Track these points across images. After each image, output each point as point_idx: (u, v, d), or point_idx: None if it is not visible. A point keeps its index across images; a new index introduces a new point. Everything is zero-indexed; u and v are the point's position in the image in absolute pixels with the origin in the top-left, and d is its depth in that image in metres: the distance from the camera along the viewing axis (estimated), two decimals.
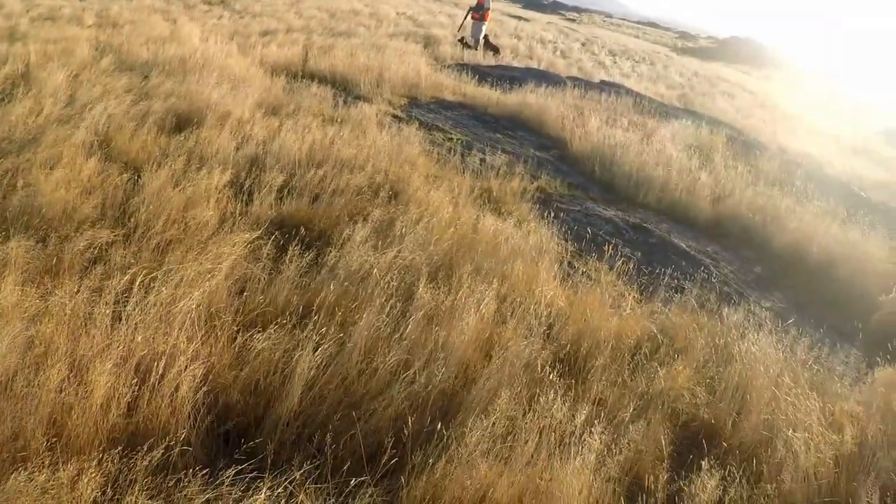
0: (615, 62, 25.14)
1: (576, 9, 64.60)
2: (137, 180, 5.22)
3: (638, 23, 67.42)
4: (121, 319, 3.46)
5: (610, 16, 68.31)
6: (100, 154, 5.61)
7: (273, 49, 12.84)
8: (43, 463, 2.66)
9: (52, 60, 8.97)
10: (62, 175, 5.07)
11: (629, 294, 5.25)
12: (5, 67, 8.84)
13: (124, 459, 2.73)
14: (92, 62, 9.02)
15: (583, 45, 28.31)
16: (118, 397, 3.01)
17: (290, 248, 4.40)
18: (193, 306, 3.58)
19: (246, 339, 3.52)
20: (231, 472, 2.69)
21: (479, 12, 18.12)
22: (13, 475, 2.52)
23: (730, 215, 8.42)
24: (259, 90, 8.67)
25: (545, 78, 14.33)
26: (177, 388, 3.09)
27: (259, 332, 3.54)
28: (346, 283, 4.15)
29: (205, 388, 3.18)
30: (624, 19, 68.81)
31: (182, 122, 6.86)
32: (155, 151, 5.85)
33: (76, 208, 4.67)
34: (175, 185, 5.13)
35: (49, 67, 8.33)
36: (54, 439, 2.83)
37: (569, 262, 5.68)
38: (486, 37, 18.48)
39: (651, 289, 5.55)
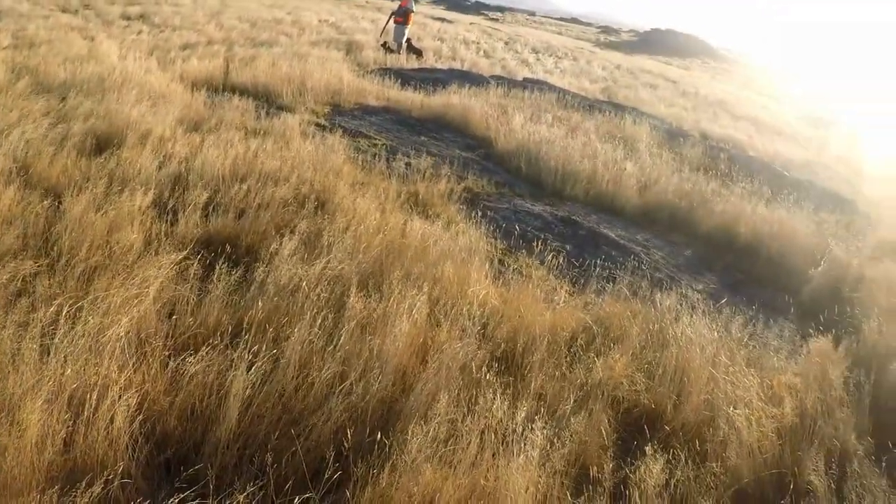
0: (538, 59, 25.45)
1: (499, 8, 65.48)
2: (59, 207, 5.02)
3: (561, 19, 68.55)
4: (49, 353, 3.32)
5: (533, 13, 69.17)
6: (19, 181, 5.35)
7: (194, 63, 12.58)
8: None
9: None
10: None
11: (561, 287, 5.27)
12: None
13: (64, 498, 2.63)
14: (7, 85, 8.64)
15: (506, 44, 28.65)
16: (52, 434, 2.90)
17: (218, 267, 4.30)
18: (122, 333, 3.46)
19: (178, 364, 3.42)
20: (174, 501, 2.61)
21: (401, 16, 18.19)
22: None
23: (657, 203, 8.55)
24: (180, 106, 8.47)
25: (469, 78, 14.45)
26: (112, 420, 2.99)
27: (191, 354, 3.45)
28: (276, 299, 4.08)
29: (140, 417, 3.09)
30: (547, 17, 69.78)
31: (102, 144, 6.63)
32: (76, 175, 5.64)
33: None
34: (97, 209, 4.94)
35: None
36: None
37: (499, 260, 5.70)
38: (408, 40, 18.56)
39: (583, 280, 5.60)
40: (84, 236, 4.53)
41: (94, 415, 3.01)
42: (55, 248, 4.44)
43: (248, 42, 17.88)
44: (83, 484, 2.65)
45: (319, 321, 3.82)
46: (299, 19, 24.82)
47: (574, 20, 68.39)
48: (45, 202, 5.05)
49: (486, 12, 59.10)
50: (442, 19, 35.96)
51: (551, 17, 69.30)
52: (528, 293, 4.82)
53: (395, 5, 19.97)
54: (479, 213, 6.41)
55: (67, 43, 14.29)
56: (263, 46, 16.81)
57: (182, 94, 9.43)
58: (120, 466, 2.85)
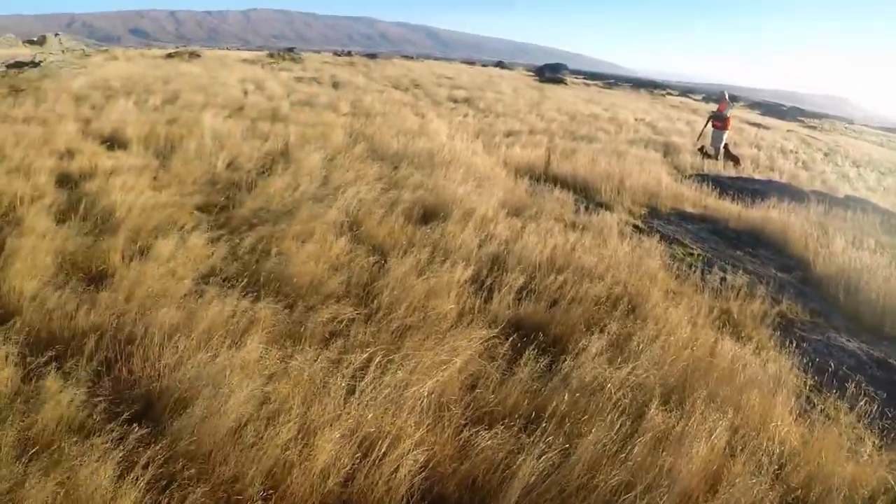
0: (860, 174, 24.56)
1: (816, 115, 65.05)
2: (383, 264, 6.11)
3: (882, 129, 65.21)
4: (354, 394, 4.06)
5: (851, 122, 67.52)
6: (349, 235, 6.69)
7: (516, 150, 14.14)
8: None
9: (309, 143, 10.74)
10: (313, 249, 6.13)
11: (869, 439, 5.07)
12: (267, 144, 10.83)
13: None
14: (346, 148, 10.58)
15: (825, 154, 28.07)
16: (339, 466, 3.52)
17: (527, 352, 4.85)
18: (425, 393, 4.11)
19: (471, 435, 3.92)
20: None
21: (720, 121, 18.97)
22: None
23: None
24: (503, 190, 9.57)
25: (787, 191, 14.41)
26: (396, 469, 3.54)
27: (485, 429, 3.95)
28: (577, 394, 4.47)
29: (423, 475, 3.61)
30: (865, 125, 67.46)
31: (428, 214, 7.86)
32: (401, 239, 6.79)
33: (323, 282, 5.62)
34: (419, 274, 5.90)
35: (306, 149, 10.00)
36: (270, 491, 3.39)
37: (806, 397, 5.68)
38: (726, 146, 19.13)
39: (893, 435, 5.35)
40: (403, 296, 5.43)
41: (381, 460, 3.58)
42: (375, 302, 5.38)
43: (567, 135, 19.44)
44: None
45: (617, 426, 4.14)
46: (616, 116, 26.46)
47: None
48: (371, 258, 6.22)
49: (802, 119, 58.78)
50: (758, 125, 36.38)
51: (870, 126, 66.84)
52: (831, 438, 4.75)
53: (713, 108, 20.55)
54: (792, 342, 6.49)
55: (400, 117, 16.86)
56: (582, 141, 18.14)
57: (505, 179, 10.66)
58: None
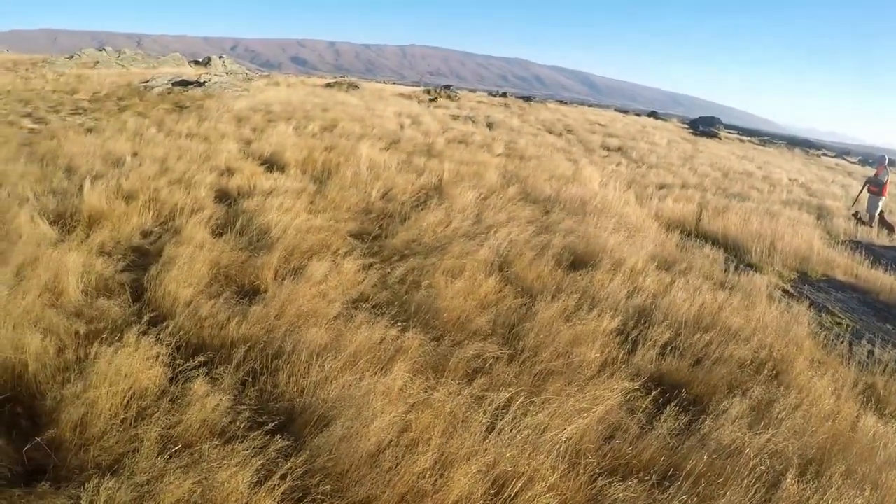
0: None
1: None
2: (530, 307, 6.23)
3: None
4: (493, 431, 4.17)
5: None
6: (498, 275, 6.86)
7: (668, 203, 14.09)
8: None
9: (463, 180, 11.07)
10: (462, 286, 6.32)
11: None
12: (421, 178, 11.24)
13: None
14: (499, 188, 10.78)
15: None
16: (471, 500, 3.64)
17: (668, 408, 4.90)
18: (563, 439, 4.18)
19: (605, 485, 3.98)
20: None
21: (876, 186, 18.03)
22: None
23: None
24: (653, 243, 9.59)
25: None
26: None
27: (619, 481, 4.01)
28: (714, 456, 4.45)
29: None
30: None
31: (577, 261, 7.96)
32: (550, 283, 6.92)
33: (470, 319, 5.78)
34: (565, 320, 6.00)
35: (460, 186, 10.23)
36: None
37: None
38: (881, 213, 18.21)
39: None
40: (548, 340, 5.52)
41: (513, 499, 3.70)
42: (520, 343, 5.50)
43: (719, 191, 19.17)
44: None
45: (752, 493, 4.14)
46: (769, 175, 25.85)
47: None
48: (519, 299, 6.37)
49: None
50: None
51: None
52: None
53: (871, 172, 19.36)
54: None
55: (553, 162, 17.03)
56: (734, 198, 17.83)
57: (655, 232, 10.68)
58: None
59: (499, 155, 17.09)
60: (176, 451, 3.71)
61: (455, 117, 27.20)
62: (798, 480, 4.41)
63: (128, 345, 4.55)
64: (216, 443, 3.83)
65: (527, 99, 53.04)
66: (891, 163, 19.88)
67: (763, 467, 4.42)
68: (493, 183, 11.60)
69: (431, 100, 36.47)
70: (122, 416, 4.00)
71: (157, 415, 4.00)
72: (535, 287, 6.82)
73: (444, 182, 11.04)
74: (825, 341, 7.50)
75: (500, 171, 13.30)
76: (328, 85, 36.24)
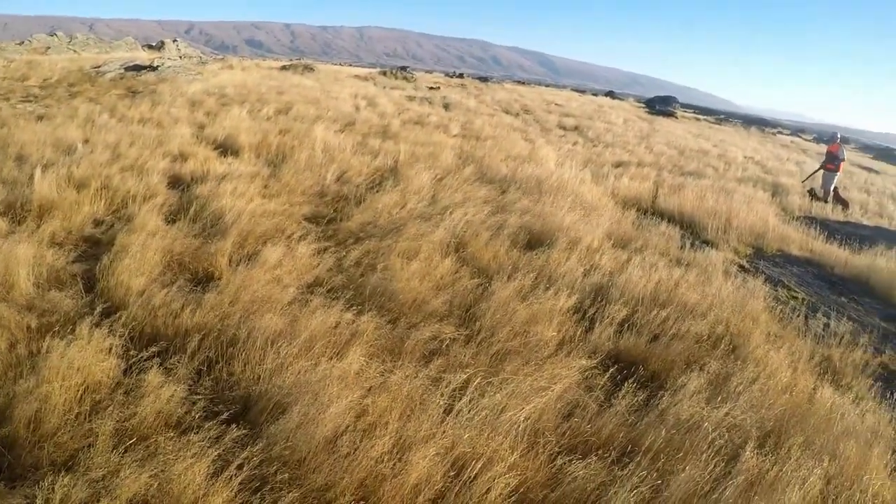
0: None
1: None
2: (487, 287, 6.21)
3: None
4: (450, 413, 4.15)
5: None
6: (454, 255, 6.84)
7: (624, 182, 14.17)
8: None
9: (419, 161, 10.98)
10: (418, 268, 6.27)
11: None
12: (376, 160, 11.12)
13: None
14: (455, 169, 10.70)
15: None
16: (431, 483, 3.60)
17: (625, 385, 4.91)
18: (521, 419, 4.16)
19: (564, 463, 3.97)
20: None
21: (831, 163, 18.53)
22: None
23: None
24: (609, 221, 9.61)
25: None
26: (487, 491, 3.61)
27: (579, 458, 4.01)
28: (673, 431, 4.49)
29: (513, 499, 3.67)
30: None
31: (534, 240, 7.95)
32: (506, 263, 6.89)
33: (426, 301, 5.74)
34: (522, 299, 5.99)
35: (415, 168, 10.09)
36: (361, 502, 3.49)
37: None
38: (835, 189, 18.75)
39: None
40: (505, 320, 5.50)
41: (473, 480, 3.66)
42: (476, 324, 5.47)
43: (675, 169, 19.35)
44: None
45: (711, 466, 4.16)
46: (725, 153, 26.15)
47: None
48: (475, 280, 6.35)
49: None
50: (869, 169, 35.33)
51: None
52: None
53: (824, 149, 20.02)
54: (892, 395, 6.37)
55: (509, 142, 16.99)
56: (690, 176, 18.01)
57: (611, 210, 10.72)
58: None
59: (455, 136, 17.03)
60: (131, 445, 3.65)
61: (411, 98, 27.05)
62: (757, 453, 4.45)
63: (80, 337, 4.46)
64: (171, 434, 3.78)
65: (484, 80, 53.01)
66: (843, 140, 20.35)
67: (722, 441, 4.46)
68: (448, 164, 11.55)
69: (387, 81, 36.16)
70: (77, 411, 3.92)
71: (111, 408, 3.93)
72: (491, 267, 6.81)
73: (400, 163, 10.97)
74: (781, 315, 7.63)
75: (456, 151, 13.26)
76: (283, 67, 35.77)
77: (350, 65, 71.31)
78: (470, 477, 3.72)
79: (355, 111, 19.11)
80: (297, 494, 3.47)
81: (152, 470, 3.41)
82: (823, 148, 19.96)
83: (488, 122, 21.50)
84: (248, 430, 3.93)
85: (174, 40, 40.45)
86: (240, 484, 3.46)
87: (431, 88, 35.56)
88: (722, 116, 69.02)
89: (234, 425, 3.88)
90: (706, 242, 10.58)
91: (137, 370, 4.34)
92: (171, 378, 4.26)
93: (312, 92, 22.05)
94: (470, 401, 4.29)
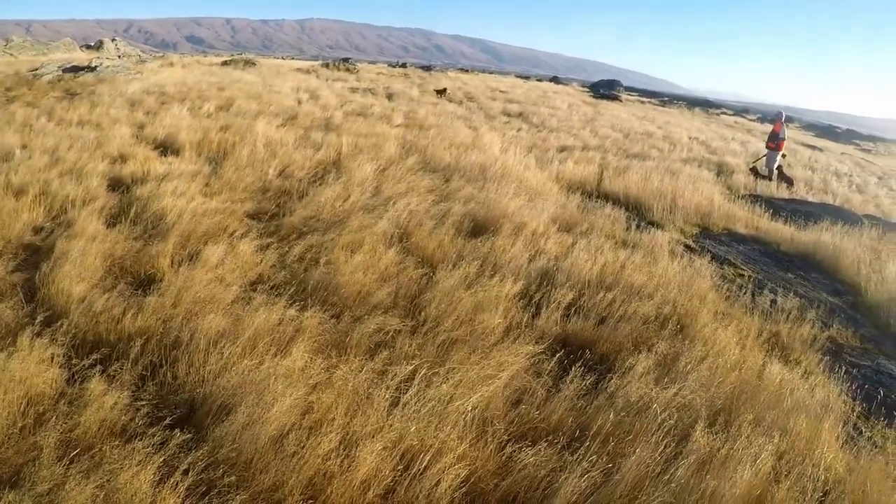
0: None
1: (871, 138, 65.57)
2: (431, 277, 6.19)
3: None
4: (397, 406, 4.10)
5: None
6: (398, 246, 6.79)
7: (569, 166, 14.25)
8: None
9: (362, 153, 10.87)
10: (362, 260, 6.21)
11: None
12: (319, 153, 10.96)
13: None
14: (398, 159, 10.62)
15: (880, 178, 27.62)
16: (380, 478, 3.57)
17: (573, 369, 4.89)
18: (469, 408, 4.14)
19: (514, 451, 3.95)
20: None
21: (774, 142, 18.92)
22: None
23: None
24: (554, 205, 9.64)
25: (840, 215, 14.34)
26: (437, 483, 3.58)
27: (529, 445, 3.99)
28: (622, 414, 4.49)
29: (464, 490, 3.65)
30: None
31: (478, 228, 7.92)
32: (451, 252, 6.86)
33: (371, 293, 5.69)
34: (467, 287, 5.95)
35: (358, 159, 10.01)
36: (310, 501, 3.45)
37: (854, 424, 5.61)
38: (779, 167, 19.19)
39: None
40: (451, 309, 5.47)
41: (422, 473, 3.63)
42: (422, 314, 5.44)
43: (620, 152, 19.53)
44: None
45: (661, 447, 4.16)
46: (670, 134, 26.50)
47: None
48: (420, 270, 6.31)
49: (857, 142, 58.95)
50: (813, 147, 36.27)
51: None
52: (878, 467, 4.68)
53: (768, 128, 20.63)
54: (841, 368, 6.45)
55: (453, 130, 16.90)
56: (635, 158, 18.23)
57: (556, 195, 10.74)
58: None
59: (398, 126, 16.93)
60: (76, 456, 3.56)
61: (354, 90, 26.85)
62: (707, 432, 4.49)
63: (21, 348, 4.35)
64: (117, 443, 3.69)
65: (427, 69, 52.75)
66: (787, 119, 20.86)
67: (672, 421, 4.47)
68: (392, 154, 11.48)
69: (330, 74, 35.80)
70: (21, 424, 3.82)
71: (54, 419, 3.83)
72: (435, 256, 6.79)
73: (343, 156, 10.87)
74: (728, 293, 7.71)
75: (399, 141, 13.19)
76: (224, 63, 35.19)
77: (292, 58, 70.39)
78: (419, 469, 3.69)
79: (297, 105, 18.88)
80: (245, 497, 3.41)
81: (98, 480, 3.33)
82: (768, 127, 20.50)
83: (432, 111, 21.43)
84: (194, 434, 3.85)
85: (113, 39, 39.58)
86: (186, 489, 3.39)
87: (377, 76, 35.30)
88: (666, 98, 70.05)
89: (178, 430, 3.80)
90: (652, 223, 10.62)
91: (80, 379, 4.24)
92: (114, 385, 4.17)
93: (254, 87, 21.73)
94: (416, 392, 4.25)
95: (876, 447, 5.26)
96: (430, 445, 3.84)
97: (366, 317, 5.28)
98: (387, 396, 4.21)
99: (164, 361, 4.55)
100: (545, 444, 4.04)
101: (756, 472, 4.15)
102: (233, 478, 3.52)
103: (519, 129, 21.85)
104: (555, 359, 5.14)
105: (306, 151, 11.33)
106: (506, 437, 4.16)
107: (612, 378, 4.96)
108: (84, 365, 4.34)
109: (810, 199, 17.41)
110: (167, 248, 6.39)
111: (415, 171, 10.34)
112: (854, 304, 9.07)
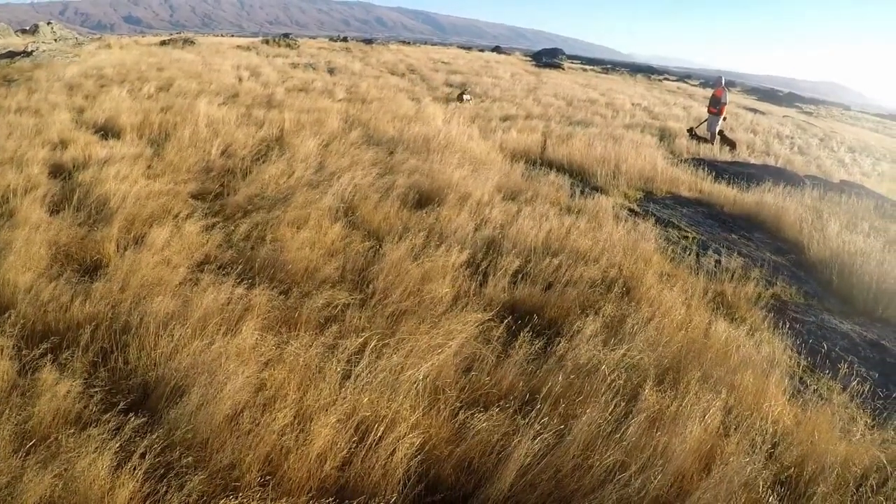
0: (855, 160, 24.86)
1: (812, 101, 66.80)
2: (378, 249, 6.21)
3: (878, 116, 65.81)
4: (349, 378, 4.12)
5: (848, 108, 68.81)
6: (344, 220, 6.79)
7: (513, 135, 14.27)
8: (253, 497, 3.26)
9: (305, 129, 10.73)
10: (308, 236, 6.20)
11: (861, 419, 5.17)
12: (262, 131, 10.79)
13: None
14: (341, 134, 10.58)
15: (821, 140, 28.11)
16: (335, 451, 3.59)
17: (522, 334, 4.95)
18: (420, 377, 4.18)
19: (467, 417, 3.99)
20: None
21: (715, 106, 19.12)
22: (223, 501, 3.15)
23: None
24: (498, 174, 9.66)
25: (782, 176, 14.66)
26: (392, 453, 3.60)
27: (481, 411, 4.03)
28: (572, 376, 4.55)
29: (419, 458, 3.68)
30: (863, 112, 68.38)
31: (423, 199, 7.95)
32: (397, 224, 6.88)
33: (318, 268, 5.69)
34: (414, 258, 5.99)
35: (301, 135, 9.91)
36: (268, 477, 3.45)
37: (800, 378, 5.76)
38: (721, 131, 19.42)
39: (885, 414, 5.44)
40: (398, 281, 5.50)
41: (377, 444, 3.65)
42: (370, 287, 5.46)
43: (564, 120, 19.60)
44: None
45: (612, 407, 4.23)
46: (612, 101, 26.66)
47: (893, 117, 64.30)
48: (367, 243, 6.33)
49: (799, 104, 59.78)
50: (754, 110, 36.64)
51: (867, 113, 67.11)
52: (824, 418, 4.83)
53: (710, 93, 21.01)
54: (785, 324, 6.60)
55: (396, 102, 16.78)
56: (579, 125, 18.30)
57: (500, 164, 10.76)
58: (391, 498, 3.46)
59: (340, 100, 16.78)
60: (32, 447, 3.51)
61: (295, 66, 26.46)
62: (657, 390, 4.56)
63: None
64: (72, 431, 3.63)
65: (369, 42, 52.27)
66: (729, 83, 21.12)
67: (621, 381, 4.55)
68: (335, 129, 11.40)
69: (270, 50, 35.18)
70: None
71: (7, 412, 3.74)
72: (382, 229, 6.81)
73: (286, 132, 10.76)
74: (673, 255, 7.82)
75: (342, 116, 13.08)
76: (163, 43, 34.35)
77: (232, 35, 69.07)
78: (374, 440, 3.71)
79: (238, 82, 18.58)
80: (203, 476, 3.40)
81: (56, 470, 3.28)
82: (710, 92, 20.85)
83: (374, 85, 21.27)
84: (149, 418, 3.82)
85: (49, 23, 38.20)
86: (144, 473, 3.36)
87: (318, 51, 34.79)
88: (609, 66, 70.58)
89: (133, 414, 3.75)
90: (596, 189, 10.70)
91: (32, 369, 4.16)
92: (66, 374, 4.10)
93: (194, 66, 21.28)
94: (368, 364, 4.28)
95: (822, 399, 5.38)
96: (384, 416, 3.87)
97: (314, 292, 5.28)
98: (338, 370, 4.22)
99: (114, 347, 4.48)
100: (497, 410, 4.09)
101: (705, 427, 4.24)
102: (190, 458, 3.50)
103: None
104: (503, 325, 5.20)
105: (249, 129, 11.18)
106: (458, 405, 4.20)
107: (560, 342, 5.02)
108: (34, 355, 4.25)
109: (753, 161, 17.67)
110: (112, 233, 6.27)
111: (358, 145, 10.32)
112: (797, 263, 9.24)
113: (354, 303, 5.23)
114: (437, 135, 11.66)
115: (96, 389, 3.99)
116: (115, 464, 3.38)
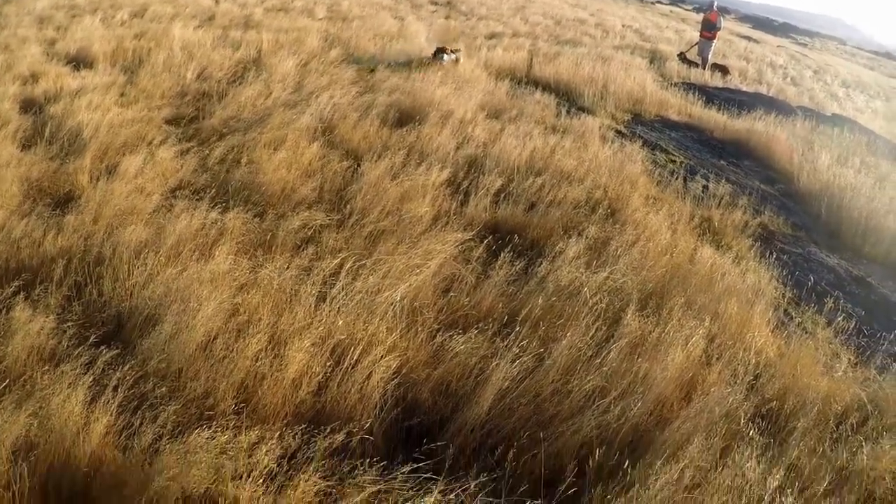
0: (848, 95, 24.47)
1: (808, 33, 65.77)
2: (357, 169, 6.08)
3: (874, 53, 65.25)
4: (325, 301, 4.02)
5: (844, 43, 68.01)
6: (322, 140, 6.63)
7: (498, 53, 13.95)
8: (227, 425, 3.18)
9: (283, 49, 10.39)
10: (285, 157, 6.05)
11: (844, 355, 5.13)
12: (238, 52, 10.38)
13: (305, 437, 3.18)
14: (321, 53, 10.27)
15: (815, 72, 27.68)
16: (310, 375, 3.52)
17: (502, 255, 4.85)
18: (397, 299, 4.09)
19: (445, 339, 3.91)
20: (407, 468, 3.04)
21: (708, 31, 18.82)
22: (197, 431, 3.04)
23: None
24: (482, 92, 9.49)
25: (774, 105, 14.48)
26: (369, 377, 3.53)
27: (459, 333, 3.94)
28: (553, 298, 4.47)
29: (396, 381, 3.61)
30: (859, 48, 67.64)
31: (404, 118, 7.77)
32: (376, 143, 6.73)
33: (295, 189, 5.56)
34: (393, 177, 5.86)
35: (279, 55, 9.63)
36: (242, 405, 3.37)
37: (784, 310, 5.71)
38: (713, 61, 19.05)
39: (868, 353, 5.38)
40: (377, 200, 5.39)
41: (353, 367, 3.58)
42: (347, 207, 5.35)
43: (551, 39, 19.23)
44: (327, 429, 3.17)
45: (593, 331, 4.15)
46: (602, 22, 26.15)
47: (888, 55, 63.85)
48: (345, 163, 6.18)
49: (794, 35, 59.01)
50: (748, 38, 36.04)
51: (863, 49, 66.45)
52: (807, 353, 4.76)
53: (702, 17, 20.61)
54: (772, 254, 6.56)
55: (378, 20, 16.30)
56: (567, 45, 17.95)
57: (485, 82, 10.53)
58: (366, 423, 3.38)
59: (321, 19, 16.33)
60: (7, 387, 3.39)
61: None
62: (639, 315, 4.50)
63: None
64: (46, 368, 3.52)
65: None
66: (722, 9, 20.57)
67: (603, 305, 4.48)
68: (314, 48, 11.12)
69: None
70: None
71: None
72: (361, 148, 6.68)
73: (263, 53, 10.48)
74: (660, 178, 7.72)
75: (322, 35, 12.72)
76: None
77: None
78: (350, 364, 3.64)
79: (215, 4, 17.93)
80: (177, 406, 3.31)
81: (31, 408, 3.19)
82: (702, 17, 20.33)
83: (356, 3, 20.63)
84: (122, 350, 3.71)
85: None
86: (118, 406, 3.27)
87: None
88: None
89: (104, 347, 3.64)
90: (583, 109, 10.52)
91: (5, 308, 4.00)
92: (38, 310, 3.96)
93: None
94: (343, 286, 4.17)
95: (806, 332, 5.35)
96: (360, 339, 3.79)
97: (290, 213, 5.17)
98: (314, 292, 4.13)
99: (88, 280, 4.36)
100: (476, 332, 4.02)
101: (687, 355, 4.19)
102: (164, 389, 3.42)
103: (447, 17, 21.33)
104: (484, 245, 5.12)
105: (225, 51, 10.85)
106: (436, 326, 4.13)
107: (542, 263, 4.95)
108: (7, 294, 4.10)
109: (744, 88, 17.43)
110: (85, 164, 6.11)
111: (338, 63, 10.09)
112: (786, 193, 9.17)
113: (331, 224, 5.12)
114: (419, 53, 11.36)
115: (70, 324, 3.87)
116: (88, 398, 3.29)
